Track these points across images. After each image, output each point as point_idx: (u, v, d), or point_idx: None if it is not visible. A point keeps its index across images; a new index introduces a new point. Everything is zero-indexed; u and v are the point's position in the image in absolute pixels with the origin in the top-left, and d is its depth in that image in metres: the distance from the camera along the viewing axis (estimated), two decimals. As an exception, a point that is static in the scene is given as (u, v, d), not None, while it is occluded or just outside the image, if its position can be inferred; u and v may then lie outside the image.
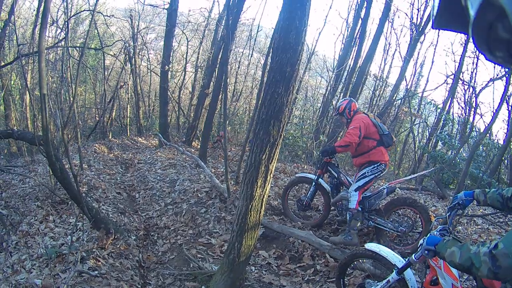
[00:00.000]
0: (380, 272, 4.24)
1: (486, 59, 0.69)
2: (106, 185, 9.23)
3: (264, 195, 4.14)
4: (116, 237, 6.20)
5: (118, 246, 6.01)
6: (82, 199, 5.82)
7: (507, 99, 11.32)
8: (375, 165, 5.66)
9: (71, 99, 7.66)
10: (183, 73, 19.27)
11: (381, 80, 17.50)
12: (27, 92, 9.97)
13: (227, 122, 9.44)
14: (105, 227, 6.19)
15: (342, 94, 15.21)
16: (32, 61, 12.53)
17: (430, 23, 3.32)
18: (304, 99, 20.72)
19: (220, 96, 12.02)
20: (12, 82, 15.52)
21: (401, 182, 6.67)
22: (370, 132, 5.69)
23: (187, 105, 19.93)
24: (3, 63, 10.51)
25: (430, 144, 14.87)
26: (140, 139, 16.97)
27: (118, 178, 10.58)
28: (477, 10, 0.61)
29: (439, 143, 14.25)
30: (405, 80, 16.52)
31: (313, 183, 6.31)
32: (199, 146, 14.04)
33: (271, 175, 4.06)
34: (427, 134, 17.18)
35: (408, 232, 5.49)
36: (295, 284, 4.89)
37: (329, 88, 15.39)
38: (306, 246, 5.67)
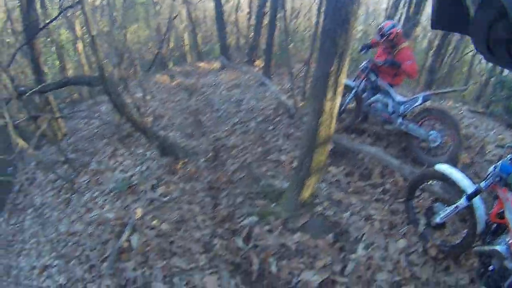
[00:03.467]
0: (449, 196, 3.92)
1: (485, 59, 0.71)
2: (171, 112, 9.05)
3: (334, 109, 3.82)
4: (185, 161, 6.00)
5: (187, 170, 5.81)
6: (148, 129, 5.57)
7: None
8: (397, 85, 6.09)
9: (124, 37, 7.30)
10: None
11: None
12: (79, 41, 9.75)
13: (289, 39, 8.69)
14: (174, 153, 5.99)
15: (405, 8, 13.60)
16: (79, 13, 12.26)
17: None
18: (365, 14, 19.11)
19: (277, 14, 11.12)
20: (63, 36, 15.55)
21: (437, 94, 6.50)
22: None
23: (246, 26, 18.99)
24: (47, 21, 10.25)
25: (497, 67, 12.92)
26: (201, 64, 16.53)
27: (183, 104, 10.39)
28: (477, 10, 0.62)
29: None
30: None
31: (353, 90, 6.09)
32: (261, 65, 13.46)
33: (341, 88, 3.74)
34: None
35: (438, 144, 5.35)
36: (364, 203, 4.53)
37: (390, 3, 13.89)
38: (375, 163, 5.39)
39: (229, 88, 10.82)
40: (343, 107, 6.11)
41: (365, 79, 6.06)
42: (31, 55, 8.57)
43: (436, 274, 3.42)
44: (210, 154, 6.80)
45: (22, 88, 6.20)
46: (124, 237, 4.15)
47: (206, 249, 4.18)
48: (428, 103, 5.81)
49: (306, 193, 4.32)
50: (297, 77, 9.90)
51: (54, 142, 6.72)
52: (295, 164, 5.68)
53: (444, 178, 3.47)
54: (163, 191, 5.13)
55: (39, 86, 6.29)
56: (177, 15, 17.59)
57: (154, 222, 4.40)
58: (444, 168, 3.45)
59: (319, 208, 4.40)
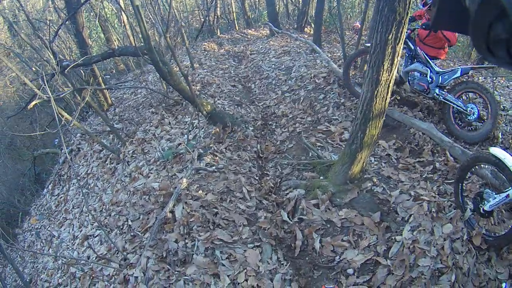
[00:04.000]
0: (499, 183, 3.75)
1: (485, 59, 0.91)
2: (220, 80, 8.80)
3: (390, 80, 3.51)
4: (233, 129, 5.77)
5: (235, 138, 5.59)
6: (196, 97, 5.35)
7: None
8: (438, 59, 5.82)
9: (170, 5, 7.04)
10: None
11: None
12: (122, 12, 9.63)
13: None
14: (222, 122, 5.76)
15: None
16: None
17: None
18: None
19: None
20: (107, 9, 15.53)
21: (476, 68, 5.85)
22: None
23: None
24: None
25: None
26: (249, 31, 16.10)
27: (232, 72, 10.13)
28: (477, 10, 0.61)
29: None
30: None
31: None
32: (311, 32, 13.01)
33: (398, 58, 3.40)
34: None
35: (475, 118, 5.12)
36: (413, 181, 4.21)
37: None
38: (426, 139, 5.06)
39: (279, 55, 10.37)
40: None
41: (404, 47, 5.65)
42: (75, 29, 8.57)
43: (477, 265, 3.12)
44: (259, 122, 6.54)
45: (66, 62, 6.12)
46: (169, 207, 3.98)
47: (250, 221, 4.02)
48: (466, 76, 5.62)
49: (356, 168, 4.03)
50: (347, 45, 9.37)
51: (100, 113, 6.63)
52: (345, 135, 5.40)
53: (497, 163, 3.15)
54: (209, 160, 4.92)
55: (82, 59, 6.22)
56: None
57: (199, 192, 4.21)
58: (498, 152, 3.14)
59: (368, 184, 4.09)
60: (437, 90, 5.42)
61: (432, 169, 4.51)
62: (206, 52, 12.30)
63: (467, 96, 5.51)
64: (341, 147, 5.09)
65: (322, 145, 5.24)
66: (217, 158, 4.98)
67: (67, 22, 8.59)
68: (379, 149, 5.04)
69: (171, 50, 5.32)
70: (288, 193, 4.38)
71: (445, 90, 5.43)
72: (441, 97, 5.37)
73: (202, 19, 16.44)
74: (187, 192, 4.24)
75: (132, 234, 4.16)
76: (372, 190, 4.01)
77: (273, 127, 6.39)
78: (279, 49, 10.92)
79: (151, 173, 5.36)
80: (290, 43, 11.67)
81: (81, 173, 7.40)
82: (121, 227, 4.48)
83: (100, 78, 8.95)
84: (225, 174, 4.63)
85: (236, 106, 7.09)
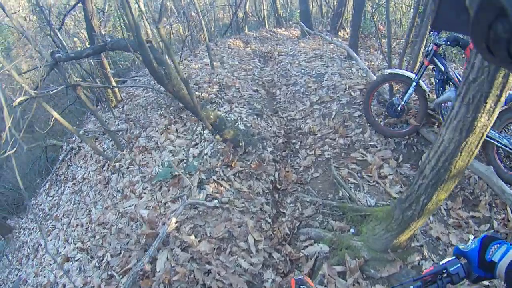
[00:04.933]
0: None
1: (485, 60, 0.75)
2: (241, 82, 7.82)
3: (487, 126, 2.22)
4: (246, 150, 4.77)
5: (248, 162, 4.61)
6: (198, 108, 4.36)
7: None
8: None
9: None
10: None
11: None
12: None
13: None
14: (233, 140, 4.72)
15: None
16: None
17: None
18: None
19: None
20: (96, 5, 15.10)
21: None
22: None
23: None
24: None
25: None
26: (279, 30, 15.01)
27: (256, 73, 9.05)
28: (477, 10, 0.58)
29: None
30: None
31: (414, 83, 4.57)
32: (346, 36, 11.99)
33: (507, 93, 2.07)
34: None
35: None
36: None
37: None
38: (484, 187, 3.91)
39: (309, 58, 9.25)
40: (400, 106, 4.70)
41: (433, 68, 4.59)
42: (85, 16, 7.82)
43: None
44: (280, 140, 5.51)
45: (58, 54, 5.30)
46: (147, 257, 3.01)
47: (252, 287, 3.06)
48: None
49: (405, 236, 2.93)
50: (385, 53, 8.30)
51: (96, 115, 5.79)
52: (384, 170, 4.34)
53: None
54: (212, 189, 3.93)
55: (73, 52, 5.42)
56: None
57: (192, 237, 3.23)
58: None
59: (415, 258, 3.04)
60: None
61: (488, 229, 3.48)
62: (230, 50, 11.30)
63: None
64: (378, 187, 4.03)
65: (356, 181, 4.18)
66: (222, 188, 3.98)
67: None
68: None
69: (165, 44, 4.33)
70: (307, 246, 3.37)
71: None
72: None
73: (231, 15, 15.60)
74: (177, 234, 3.28)
75: (109, 273, 3.44)
76: (420, 265, 2.96)
77: (297, 147, 5.35)
78: (310, 52, 9.83)
79: (145, 193, 4.49)
80: (322, 46, 10.58)
81: (78, 176, 6.80)
82: (101, 258, 3.89)
83: (108, 71, 8.06)
84: (229, 212, 3.62)
85: (255, 117, 6.06)
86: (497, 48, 0.59)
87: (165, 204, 3.94)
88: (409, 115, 5.12)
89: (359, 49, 9.50)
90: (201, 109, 4.42)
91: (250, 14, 17.52)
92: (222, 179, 4.13)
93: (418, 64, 4.78)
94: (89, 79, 8.37)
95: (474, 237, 1.39)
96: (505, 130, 4.16)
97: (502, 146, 4.04)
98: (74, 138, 8.27)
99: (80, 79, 7.21)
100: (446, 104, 4.45)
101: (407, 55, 6.13)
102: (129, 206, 4.35)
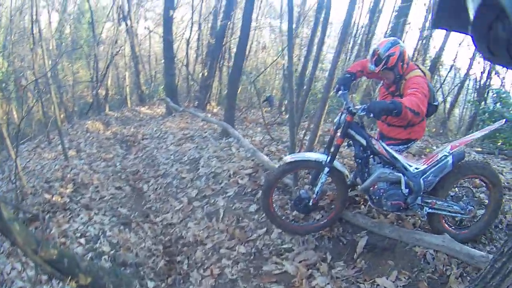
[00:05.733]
0: None
1: (485, 59, 1.53)
2: (100, 178, 6.45)
3: None
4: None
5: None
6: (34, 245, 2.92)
7: None
8: (411, 143, 3.90)
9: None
10: (190, 24, 15.45)
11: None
12: None
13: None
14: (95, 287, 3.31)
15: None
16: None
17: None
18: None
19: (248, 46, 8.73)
20: None
21: (467, 143, 3.94)
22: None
23: (192, 62, 16.30)
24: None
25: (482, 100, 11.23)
26: (142, 108, 13.82)
27: (118, 164, 7.64)
28: (477, 10, 0.62)
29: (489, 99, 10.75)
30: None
31: (325, 168, 3.61)
32: (215, 110, 11.62)
33: None
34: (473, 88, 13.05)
35: (475, 212, 3.70)
36: None
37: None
38: (445, 259, 3.36)
39: (178, 141, 8.16)
40: (312, 201, 3.74)
41: (349, 143, 3.76)
42: None
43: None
44: (161, 263, 4.16)
45: None
46: None
47: None
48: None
49: None
50: (271, 126, 7.67)
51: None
52: (318, 280, 3.38)
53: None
54: None
55: None
56: (119, 49, 15.10)
57: None
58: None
59: None
60: (419, 200, 3.54)
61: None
62: (88, 134, 9.80)
63: (461, 186, 3.91)
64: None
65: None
66: None
67: None
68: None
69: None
70: None
71: (430, 195, 3.62)
72: (428, 209, 3.57)
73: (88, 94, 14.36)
74: None
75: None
76: None
77: (185, 267, 4.07)
78: (178, 133, 8.77)
79: None
80: (191, 124, 9.63)
81: None
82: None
83: None
84: None
85: (121, 227, 4.69)
86: (497, 48, 0.63)
87: None
88: (325, 198, 4.29)
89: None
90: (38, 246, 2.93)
91: (112, 92, 16.31)
92: None
93: (327, 140, 3.83)
94: None
95: None
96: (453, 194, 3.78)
97: (449, 214, 3.64)
98: None
99: None
100: (374, 187, 3.65)
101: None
102: None
